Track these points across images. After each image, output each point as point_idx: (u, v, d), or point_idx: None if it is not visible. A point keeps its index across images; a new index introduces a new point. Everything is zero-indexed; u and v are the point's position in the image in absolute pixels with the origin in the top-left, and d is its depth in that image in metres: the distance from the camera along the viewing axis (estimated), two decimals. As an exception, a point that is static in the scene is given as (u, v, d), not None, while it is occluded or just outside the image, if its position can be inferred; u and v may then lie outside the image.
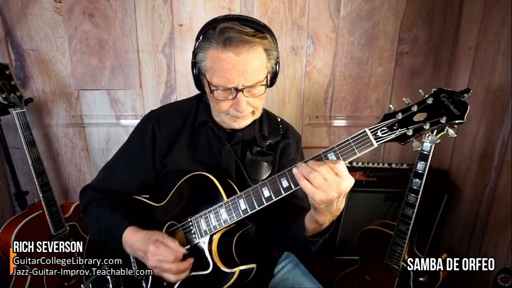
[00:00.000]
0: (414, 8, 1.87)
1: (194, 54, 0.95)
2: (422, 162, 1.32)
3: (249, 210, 0.86)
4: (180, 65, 1.91)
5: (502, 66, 1.53)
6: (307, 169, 0.73)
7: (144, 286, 1.00)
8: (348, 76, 1.99)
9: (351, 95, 2.02)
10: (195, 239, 0.93)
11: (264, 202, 0.83)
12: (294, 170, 0.76)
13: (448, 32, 1.90)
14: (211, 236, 0.92)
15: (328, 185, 0.72)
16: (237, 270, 0.89)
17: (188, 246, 0.95)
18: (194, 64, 0.96)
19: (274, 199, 0.82)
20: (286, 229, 0.98)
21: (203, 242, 0.93)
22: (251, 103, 0.95)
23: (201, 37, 0.94)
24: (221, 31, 0.87)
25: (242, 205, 0.86)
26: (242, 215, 0.87)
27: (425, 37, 1.91)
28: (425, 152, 1.31)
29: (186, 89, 1.95)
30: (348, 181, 0.74)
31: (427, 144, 1.30)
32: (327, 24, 1.89)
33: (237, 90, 0.90)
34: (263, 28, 0.93)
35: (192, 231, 0.94)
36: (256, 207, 0.84)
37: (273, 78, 1.01)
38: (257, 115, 1.02)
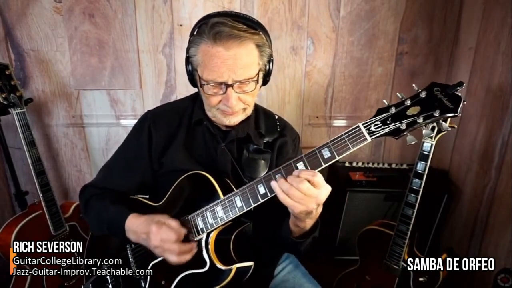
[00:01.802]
0: (414, 8, 1.87)
1: (188, 49, 0.95)
2: (422, 162, 1.32)
3: (244, 208, 0.85)
4: (180, 65, 1.92)
5: (502, 66, 1.53)
6: (286, 185, 0.75)
7: (143, 286, 1.00)
8: (348, 76, 1.98)
9: (351, 95, 2.02)
10: (192, 237, 0.93)
11: (260, 199, 0.83)
12: (273, 184, 0.78)
13: (448, 32, 1.90)
14: (208, 234, 0.92)
15: (308, 198, 0.75)
16: (234, 267, 0.89)
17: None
18: (188, 59, 0.96)
19: (269, 196, 0.82)
20: (278, 229, 0.99)
21: (200, 240, 0.93)
22: (242, 99, 0.94)
23: (195, 32, 0.94)
24: (212, 25, 0.87)
25: (238, 202, 0.86)
26: (238, 212, 0.87)
27: (425, 37, 1.91)
28: (425, 152, 1.31)
29: (186, 89, 1.95)
30: (325, 191, 0.76)
31: (427, 144, 1.30)
32: (327, 24, 1.89)
33: (227, 85, 0.89)
34: (255, 25, 0.92)
35: (189, 229, 0.94)
36: (252, 204, 0.84)
37: (266, 76, 1.00)
38: (249, 111, 1.01)
